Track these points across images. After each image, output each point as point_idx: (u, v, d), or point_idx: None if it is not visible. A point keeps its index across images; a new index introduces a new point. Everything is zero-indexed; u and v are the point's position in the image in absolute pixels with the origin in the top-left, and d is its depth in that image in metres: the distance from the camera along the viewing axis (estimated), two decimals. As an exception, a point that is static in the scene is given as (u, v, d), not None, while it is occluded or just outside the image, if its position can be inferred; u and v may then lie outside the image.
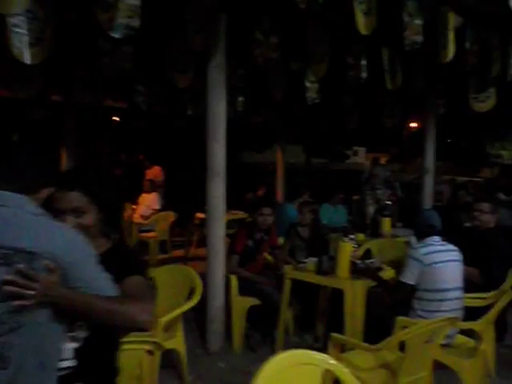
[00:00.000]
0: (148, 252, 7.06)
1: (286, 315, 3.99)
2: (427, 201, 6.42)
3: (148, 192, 8.08)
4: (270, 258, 4.40)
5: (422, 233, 3.11)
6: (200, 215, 7.58)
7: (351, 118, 7.40)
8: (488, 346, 3.48)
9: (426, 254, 2.94)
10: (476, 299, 3.25)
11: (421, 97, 6.35)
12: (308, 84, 5.45)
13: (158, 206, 7.97)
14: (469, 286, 3.40)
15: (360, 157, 41.90)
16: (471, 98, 5.94)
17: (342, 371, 1.92)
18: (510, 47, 5.09)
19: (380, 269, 3.56)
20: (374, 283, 3.30)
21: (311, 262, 3.56)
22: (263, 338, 3.91)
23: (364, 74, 4.80)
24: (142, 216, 7.66)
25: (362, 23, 3.24)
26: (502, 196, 5.56)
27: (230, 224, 7.32)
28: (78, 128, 5.78)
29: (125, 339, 1.61)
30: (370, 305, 3.29)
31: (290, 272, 3.58)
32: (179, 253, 7.38)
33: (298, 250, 4.26)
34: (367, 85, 5.34)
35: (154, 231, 7.18)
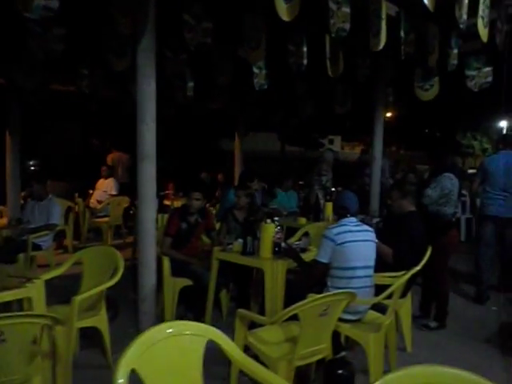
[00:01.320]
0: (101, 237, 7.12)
1: (222, 296, 4.12)
2: (375, 187, 6.59)
3: (105, 177, 8.09)
4: (206, 240, 4.49)
5: (338, 214, 3.24)
6: (166, 202, 7.67)
7: (305, 105, 7.51)
8: (405, 321, 3.67)
9: (338, 234, 3.06)
10: (386, 278, 3.40)
11: (370, 85, 6.48)
12: (256, 70, 5.52)
13: (114, 192, 7.98)
14: (385, 266, 3.58)
15: (335, 145, 42.34)
16: (416, 87, 6.10)
17: (225, 341, 2.02)
18: (449, 37, 5.26)
19: (305, 250, 3.67)
20: (294, 264, 3.41)
21: (238, 243, 3.65)
22: (196, 318, 4.00)
23: (305, 61, 4.88)
24: (97, 201, 7.66)
25: (284, 10, 3.30)
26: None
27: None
28: (24, 113, 5.72)
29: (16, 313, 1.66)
30: (291, 284, 3.41)
31: (217, 253, 3.67)
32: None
33: (234, 232, 4.35)
34: (317, 72, 5.45)
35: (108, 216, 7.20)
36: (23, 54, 4.37)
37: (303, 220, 5.31)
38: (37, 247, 4.92)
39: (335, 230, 3.08)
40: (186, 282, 3.94)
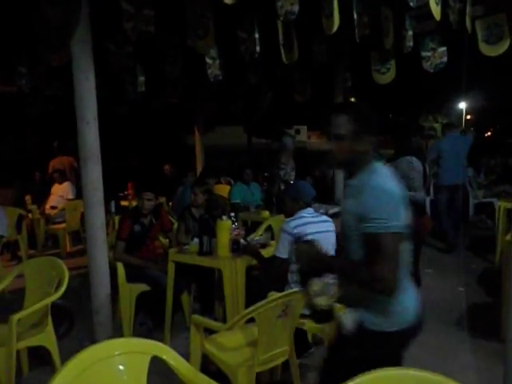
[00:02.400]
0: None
1: (183, 299, 3.91)
2: (338, 174, 6.51)
3: (59, 182, 7.70)
4: (164, 241, 4.26)
5: (290, 205, 3.08)
6: (123, 203, 7.34)
7: (263, 95, 7.33)
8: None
9: (296, 227, 2.90)
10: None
11: (328, 71, 6.36)
12: (209, 60, 5.30)
13: (71, 196, 7.61)
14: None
15: (302, 135, 42.52)
16: (373, 70, 6.01)
17: (171, 355, 1.83)
18: (403, 19, 5.17)
19: (266, 245, 3.51)
20: (253, 261, 3.24)
21: (194, 243, 3.45)
22: (156, 324, 3.79)
23: (257, 48, 4.69)
24: (51, 207, 7.28)
25: (226, -8, 3.09)
26: None
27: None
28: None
29: None
30: (251, 283, 3.24)
31: (172, 255, 3.46)
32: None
33: (193, 231, 4.14)
34: (273, 60, 5.27)
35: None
36: None
37: (266, 213, 5.15)
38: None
39: (293, 223, 2.92)
40: (143, 287, 3.71)
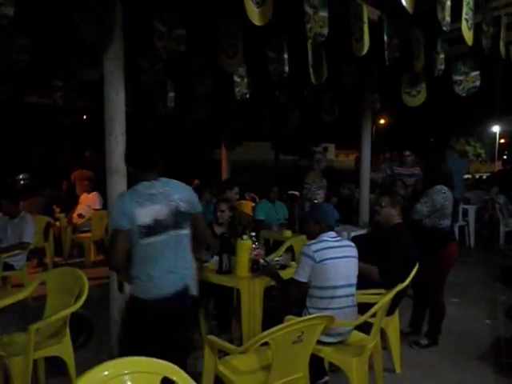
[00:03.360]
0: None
1: (200, 316, 3.88)
2: (364, 195, 6.41)
3: (88, 192, 7.87)
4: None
5: (313, 228, 3.04)
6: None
7: (291, 113, 7.34)
8: (393, 340, 3.46)
9: (317, 251, 2.85)
10: (371, 295, 3.19)
11: (357, 92, 6.33)
12: (237, 79, 5.37)
13: (98, 206, 7.74)
14: (372, 282, 3.38)
15: (330, 153, 42.33)
16: (403, 93, 5.96)
17: (182, 377, 1.80)
18: (435, 42, 5.12)
19: (285, 267, 3.47)
20: (272, 282, 3.20)
21: (214, 261, 3.45)
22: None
23: (286, 68, 4.72)
24: (79, 215, 7.43)
25: (255, 14, 3.12)
26: None
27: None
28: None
29: None
30: (269, 304, 3.20)
31: (192, 272, 3.45)
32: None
33: (214, 249, 4.13)
34: (302, 79, 5.29)
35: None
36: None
37: (289, 233, 5.10)
38: (9, 267, 4.69)
39: (314, 247, 2.88)
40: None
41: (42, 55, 4.08)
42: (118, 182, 3.51)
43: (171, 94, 5.97)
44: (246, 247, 3.22)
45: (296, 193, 7.97)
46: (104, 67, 3.44)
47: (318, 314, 2.41)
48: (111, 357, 3.58)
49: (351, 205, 6.51)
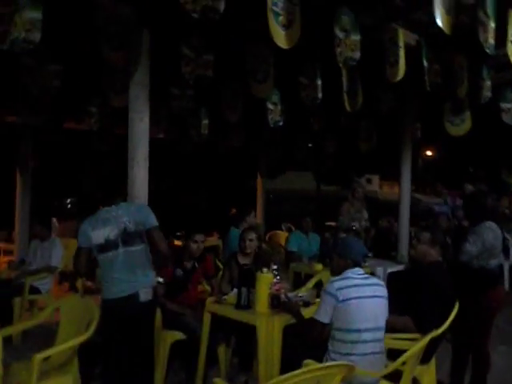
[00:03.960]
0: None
1: (220, 351, 3.67)
2: (403, 229, 6.04)
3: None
4: (208, 288, 4.10)
5: (336, 264, 2.79)
6: (177, 242, 7.35)
7: (328, 142, 7.15)
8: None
9: (341, 289, 2.60)
10: (403, 340, 2.87)
11: (396, 120, 6.07)
12: (270, 106, 5.28)
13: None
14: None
15: (374, 184, 41.44)
16: (446, 121, 5.65)
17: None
18: (480, 67, 4.84)
19: (309, 304, 3.21)
20: (293, 320, 2.96)
21: (233, 294, 3.25)
22: (189, 377, 3.57)
23: (319, 95, 4.58)
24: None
25: (281, 37, 3.01)
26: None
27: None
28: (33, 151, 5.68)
29: None
30: (289, 345, 2.95)
31: (209, 304, 3.28)
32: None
33: (235, 281, 3.94)
34: (337, 107, 5.12)
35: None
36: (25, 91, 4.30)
37: (319, 266, 4.84)
38: (36, 290, 4.69)
39: (337, 284, 2.63)
40: (179, 335, 3.53)
41: (76, 81, 4.15)
42: (138, 207, 3.42)
43: (205, 122, 5.95)
44: (266, 281, 3.01)
45: (333, 224, 7.67)
46: (129, 92, 3.42)
47: (335, 362, 2.15)
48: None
49: (389, 238, 6.15)
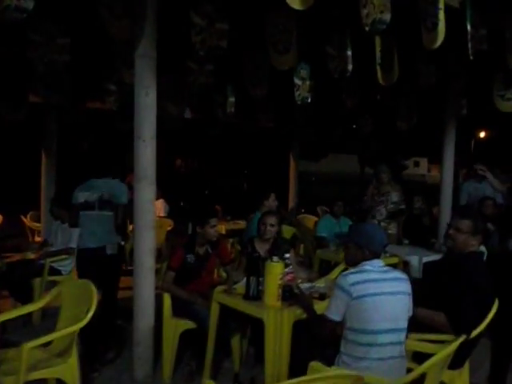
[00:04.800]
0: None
1: (234, 342, 3.46)
2: (444, 215, 5.55)
3: (155, 199, 7.85)
4: (224, 275, 3.87)
5: (353, 255, 2.46)
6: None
7: (365, 121, 6.67)
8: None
9: (355, 284, 2.28)
10: (428, 344, 2.52)
11: (439, 96, 5.54)
12: (298, 81, 4.91)
13: (163, 214, 7.70)
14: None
15: (422, 167, 39.86)
16: (496, 96, 5.06)
17: None
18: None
19: (325, 297, 2.91)
20: (304, 315, 2.66)
21: (242, 284, 2.99)
22: (199, 367, 3.38)
23: (349, 67, 4.16)
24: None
25: None
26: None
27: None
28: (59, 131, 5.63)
29: None
30: (300, 341, 2.67)
31: (217, 294, 3.04)
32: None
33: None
34: (371, 82, 4.69)
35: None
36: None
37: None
38: (56, 272, 4.65)
39: (351, 278, 2.31)
40: (189, 324, 3.34)
41: (88, 57, 3.97)
42: (145, 188, 3.25)
43: (231, 99, 5.66)
44: (276, 270, 2.72)
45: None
46: (135, 66, 3.19)
47: (340, 372, 1.85)
48: (132, 377, 3.34)
49: (423, 222, 5.66)
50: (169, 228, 7.05)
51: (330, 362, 2.37)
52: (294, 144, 7.75)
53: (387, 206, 5.39)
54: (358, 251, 2.44)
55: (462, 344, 2.48)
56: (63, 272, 4.72)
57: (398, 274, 2.43)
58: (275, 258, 2.76)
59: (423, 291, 2.90)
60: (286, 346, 2.62)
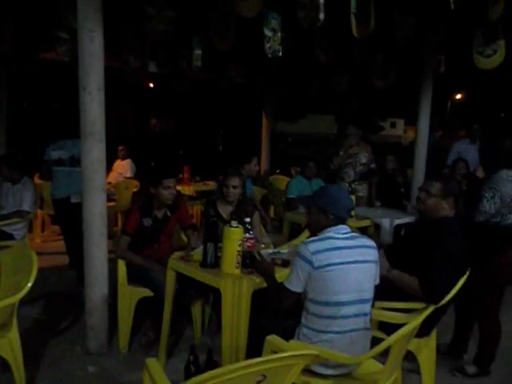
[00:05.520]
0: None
1: (194, 310, 3.29)
2: (418, 176, 5.43)
3: (122, 158, 7.52)
4: (185, 239, 3.65)
5: (315, 221, 2.25)
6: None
7: (340, 78, 6.37)
8: (427, 369, 2.65)
9: (317, 253, 2.08)
10: (396, 314, 2.38)
11: (416, 52, 5.26)
12: (268, 32, 4.55)
13: (130, 174, 7.39)
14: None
15: (398, 128, 39.88)
16: (475, 52, 4.81)
17: None
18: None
19: (289, 263, 2.72)
20: (264, 284, 2.48)
21: (200, 250, 2.78)
22: (158, 337, 3.21)
23: (321, 16, 3.83)
24: (108, 183, 7.07)
25: None
26: None
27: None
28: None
29: None
30: (259, 312, 2.49)
31: (172, 261, 2.82)
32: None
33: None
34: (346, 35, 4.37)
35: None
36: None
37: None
38: (9, 236, 4.33)
39: (313, 246, 2.10)
40: (145, 292, 3.14)
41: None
42: (93, 145, 2.93)
43: (197, 52, 5.25)
44: (234, 236, 2.50)
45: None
46: (77, 6, 2.81)
47: (290, 353, 1.66)
48: (85, 347, 3.14)
49: (396, 183, 5.52)
50: (135, 189, 6.77)
51: (290, 335, 2.20)
52: (267, 103, 7.40)
53: (356, 167, 5.25)
54: (321, 216, 2.23)
55: (431, 312, 2.37)
56: (16, 236, 4.39)
57: (364, 240, 2.23)
58: (234, 223, 2.54)
59: (394, 254, 2.76)
60: (245, 317, 2.44)
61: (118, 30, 4.43)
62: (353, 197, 3.14)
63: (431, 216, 2.69)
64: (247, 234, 2.65)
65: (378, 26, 4.09)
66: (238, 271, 2.54)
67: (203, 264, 2.66)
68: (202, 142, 13.85)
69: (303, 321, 2.17)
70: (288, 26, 4.56)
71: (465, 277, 2.55)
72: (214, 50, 5.19)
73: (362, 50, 5.31)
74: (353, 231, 2.26)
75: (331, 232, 2.18)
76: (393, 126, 36.91)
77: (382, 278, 2.32)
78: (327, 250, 2.10)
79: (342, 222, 2.23)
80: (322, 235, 2.18)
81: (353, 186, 5.29)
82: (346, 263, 2.09)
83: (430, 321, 2.50)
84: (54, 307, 3.88)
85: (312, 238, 2.18)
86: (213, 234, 2.64)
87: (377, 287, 2.26)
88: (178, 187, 6.86)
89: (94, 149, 2.91)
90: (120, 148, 7.67)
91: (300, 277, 2.10)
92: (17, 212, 4.34)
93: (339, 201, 2.23)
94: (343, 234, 2.19)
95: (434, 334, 2.69)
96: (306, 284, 2.11)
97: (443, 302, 2.44)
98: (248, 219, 2.71)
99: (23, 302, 2.47)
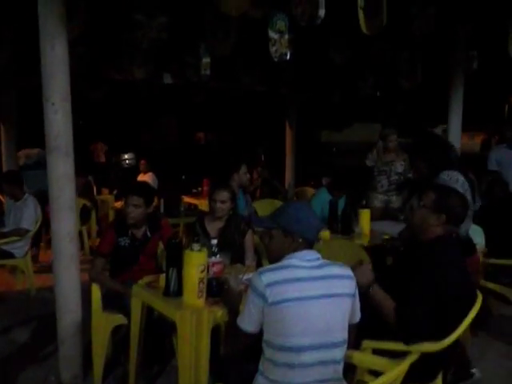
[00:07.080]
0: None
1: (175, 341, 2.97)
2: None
3: (144, 172, 7.45)
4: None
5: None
6: (188, 199, 6.67)
7: (364, 81, 5.90)
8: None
9: (272, 285, 1.69)
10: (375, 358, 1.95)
11: (444, 48, 4.74)
12: (273, 35, 4.24)
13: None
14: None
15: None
16: (511, 44, 4.24)
17: None
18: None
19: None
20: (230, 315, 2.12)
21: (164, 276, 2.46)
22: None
23: (321, 12, 3.46)
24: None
25: None
26: None
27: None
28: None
29: None
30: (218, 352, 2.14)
31: (136, 289, 2.52)
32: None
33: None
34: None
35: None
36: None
37: (326, 234, 3.87)
38: (9, 255, 4.26)
39: (268, 277, 1.72)
40: (121, 319, 2.86)
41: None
42: (58, 160, 2.71)
43: (206, 60, 5.01)
44: (195, 261, 2.17)
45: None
46: (39, 11, 2.63)
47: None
48: (58, 379, 2.90)
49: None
50: (154, 204, 6.58)
51: (248, 382, 1.83)
52: (290, 110, 7.04)
53: (390, 176, 4.75)
54: (285, 239, 1.85)
55: (433, 354, 1.93)
56: (16, 255, 4.32)
57: (336, 269, 1.83)
58: (196, 246, 2.21)
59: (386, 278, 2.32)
60: (205, 356, 2.09)
61: (117, 41, 4.28)
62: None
63: (418, 234, 2.24)
64: (213, 258, 2.32)
65: (392, 20, 3.66)
66: (200, 301, 2.20)
67: (166, 292, 2.34)
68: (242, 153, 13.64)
69: (260, 367, 1.79)
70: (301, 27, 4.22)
71: (473, 314, 2.07)
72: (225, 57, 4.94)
73: (382, 48, 4.86)
74: (323, 258, 1.86)
75: (294, 259, 1.80)
76: (444, 132, 35.33)
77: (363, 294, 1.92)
78: (285, 281, 1.71)
79: (310, 246, 1.84)
80: (282, 263, 1.80)
81: (384, 197, 4.81)
82: (306, 298, 1.70)
83: (434, 363, 2.06)
84: (39, 331, 3.68)
85: (269, 266, 1.81)
86: (176, 258, 2.32)
87: (362, 317, 1.86)
88: (196, 201, 6.67)
89: (60, 164, 2.69)
90: (142, 162, 7.60)
91: (252, 313, 1.73)
92: (15, 230, 4.26)
93: (308, 220, 1.85)
94: (308, 260, 1.80)
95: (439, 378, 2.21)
96: (259, 323, 1.74)
97: (434, 348, 1.96)
98: (215, 241, 2.37)
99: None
